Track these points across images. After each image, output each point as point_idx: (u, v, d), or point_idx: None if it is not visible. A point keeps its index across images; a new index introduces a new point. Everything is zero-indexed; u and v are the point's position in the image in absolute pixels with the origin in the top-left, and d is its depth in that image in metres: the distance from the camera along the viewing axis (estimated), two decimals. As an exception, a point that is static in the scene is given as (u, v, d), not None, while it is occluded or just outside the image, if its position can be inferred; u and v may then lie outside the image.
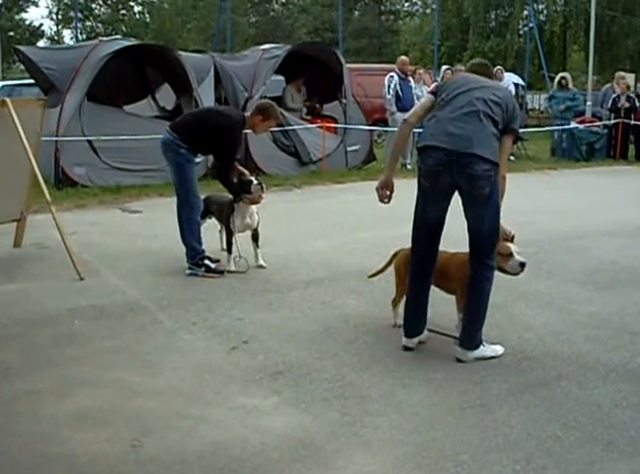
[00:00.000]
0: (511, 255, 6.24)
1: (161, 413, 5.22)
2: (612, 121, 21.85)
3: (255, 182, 8.76)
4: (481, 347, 6.17)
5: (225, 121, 8.68)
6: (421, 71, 20.71)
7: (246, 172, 8.95)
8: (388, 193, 6.40)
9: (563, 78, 22.51)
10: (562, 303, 7.75)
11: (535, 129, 25.89)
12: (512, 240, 6.33)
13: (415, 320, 6.42)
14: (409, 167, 17.98)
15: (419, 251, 6.35)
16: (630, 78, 26.70)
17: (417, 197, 6.23)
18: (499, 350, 6.26)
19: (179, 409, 5.28)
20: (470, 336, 6.18)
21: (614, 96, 22.13)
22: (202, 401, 5.42)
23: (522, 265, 6.27)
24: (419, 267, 6.38)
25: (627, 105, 21.67)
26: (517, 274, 6.39)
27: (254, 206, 8.89)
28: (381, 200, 6.43)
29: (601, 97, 23.69)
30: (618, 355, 6.28)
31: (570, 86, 22.45)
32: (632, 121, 21.55)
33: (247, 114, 8.94)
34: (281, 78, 19.01)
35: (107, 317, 7.26)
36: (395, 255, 6.99)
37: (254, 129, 8.98)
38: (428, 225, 6.24)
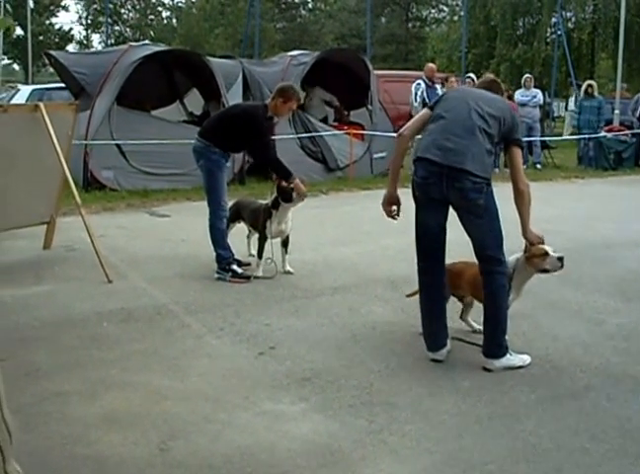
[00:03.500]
0: (547, 254, 6.31)
1: (188, 417, 5.23)
2: (642, 130, 21.75)
3: (294, 200, 8.83)
4: (508, 355, 6.14)
5: (247, 112, 8.90)
6: (453, 80, 20.64)
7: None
8: (394, 208, 6.52)
9: (590, 86, 22.43)
10: (590, 314, 7.71)
11: (562, 138, 25.82)
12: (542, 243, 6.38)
13: (434, 334, 6.40)
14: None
15: (424, 263, 6.37)
16: (659, 86, 26.62)
17: (415, 207, 6.29)
18: (526, 359, 6.24)
19: (206, 413, 5.29)
20: (494, 343, 6.16)
21: (642, 104, 22.07)
22: (230, 406, 5.43)
23: (561, 259, 6.33)
24: (427, 280, 6.39)
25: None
26: (558, 269, 6.42)
27: (290, 214, 8.95)
28: (388, 216, 6.56)
29: (634, 105, 23.58)
30: (647, 368, 6.25)
31: (596, 94, 22.37)
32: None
33: (267, 101, 8.98)
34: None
35: (135, 320, 7.29)
36: None
37: (276, 113, 8.97)
38: (427, 235, 6.27)
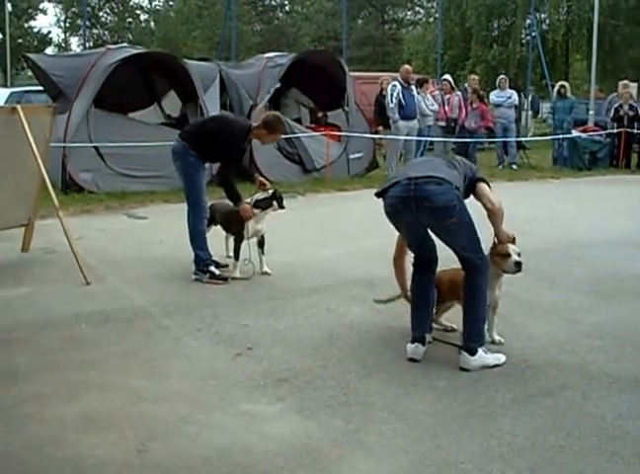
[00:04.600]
0: (508, 255, 6.42)
1: (167, 418, 5.25)
2: (615, 130, 21.85)
3: (275, 205, 9.02)
4: (482, 353, 6.21)
5: (228, 128, 8.84)
6: (429, 85, 20.90)
7: (267, 184, 9.12)
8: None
9: (562, 87, 22.56)
10: (565, 313, 7.77)
11: (537, 138, 25.93)
12: (513, 242, 6.51)
13: (420, 319, 6.50)
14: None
15: (416, 257, 6.61)
16: (633, 87, 26.70)
17: None
18: (501, 358, 6.30)
19: (184, 414, 5.31)
20: (474, 331, 6.25)
21: (616, 105, 22.18)
22: (208, 406, 5.45)
23: (518, 264, 6.42)
24: (420, 270, 6.55)
25: (631, 113, 21.68)
26: (513, 273, 6.51)
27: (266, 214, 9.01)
28: None
29: (607, 105, 23.75)
30: (622, 366, 6.29)
31: (569, 94, 22.48)
32: (635, 130, 21.57)
33: (254, 124, 9.00)
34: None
35: (113, 322, 7.30)
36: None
37: (260, 140, 9.07)
38: (414, 244, 6.58)
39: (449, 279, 6.72)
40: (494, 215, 6.25)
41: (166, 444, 4.87)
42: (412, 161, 7.15)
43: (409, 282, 6.83)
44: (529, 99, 32.00)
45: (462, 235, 6.12)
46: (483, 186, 6.32)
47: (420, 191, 5.98)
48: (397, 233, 6.72)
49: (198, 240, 8.89)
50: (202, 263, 8.82)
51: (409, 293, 6.88)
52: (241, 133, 8.80)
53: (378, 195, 6.37)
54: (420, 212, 6.04)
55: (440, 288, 6.75)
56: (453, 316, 6.89)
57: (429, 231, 6.34)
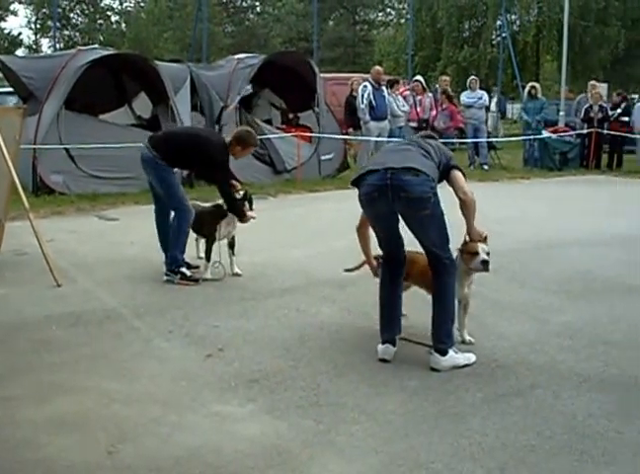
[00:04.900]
0: (476, 253, 6.42)
1: (137, 419, 5.24)
2: (585, 131, 22.00)
3: (247, 207, 8.98)
4: (452, 353, 6.22)
5: (207, 152, 8.74)
6: (400, 85, 21.06)
7: (237, 185, 9.10)
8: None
9: (533, 87, 22.75)
10: (535, 312, 7.80)
11: (508, 139, 26.05)
12: (485, 240, 6.52)
13: (389, 321, 6.50)
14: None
15: (386, 256, 6.61)
16: (603, 88, 26.88)
17: (369, 221, 6.60)
18: (471, 357, 6.32)
19: (155, 416, 5.30)
20: (443, 332, 6.25)
21: (587, 106, 22.33)
22: (179, 408, 5.44)
23: (484, 263, 6.44)
24: (389, 271, 6.57)
25: (600, 115, 21.84)
26: (480, 271, 6.55)
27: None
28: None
29: (576, 106, 23.90)
30: (592, 365, 6.33)
31: (539, 95, 22.64)
32: (605, 131, 21.72)
33: (227, 139, 8.94)
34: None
35: (84, 324, 7.27)
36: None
37: (234, 156, 8.99)
38: (383, 238, 6.53)
39: (424, 265, 6.61)
40: (466, 207, 6.21)
41: (137, 446, 4.86)
42: (386, 147, 7.10)
43: (374, 253, 6.90)
44: (496, 100, 32.16)
45: (433, 229, 6.12)
46: (458, 175, 6.29)
47: (396, 180, 5.96)
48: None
49: (180, 242, 8.85)
50: (176, 264, 8.79)
51: (373, 261, 6.95)
52: (221, 150, 8.74)
53: (354, 182, 6.36)
54: (395, 202, 6.02)
55: (411, 270, 6.73)
56: (424, 310, 6.85)
57: (399, 226, 6.33)
